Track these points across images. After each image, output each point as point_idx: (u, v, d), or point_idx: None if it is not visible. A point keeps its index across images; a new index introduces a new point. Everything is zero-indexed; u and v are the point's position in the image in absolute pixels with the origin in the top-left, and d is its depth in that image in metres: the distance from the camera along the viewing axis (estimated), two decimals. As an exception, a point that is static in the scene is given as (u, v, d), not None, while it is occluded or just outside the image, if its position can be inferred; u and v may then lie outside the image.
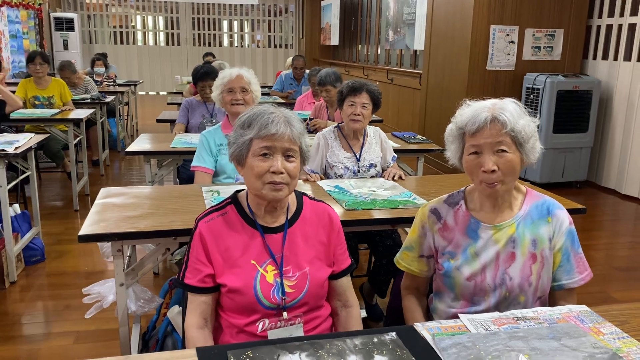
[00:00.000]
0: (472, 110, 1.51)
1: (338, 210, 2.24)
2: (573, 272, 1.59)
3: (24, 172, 3.73)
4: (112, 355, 1.22)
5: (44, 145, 5.06)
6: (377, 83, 9.25)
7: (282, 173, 1.45)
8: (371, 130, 3.00)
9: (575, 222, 1.64)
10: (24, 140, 3.50)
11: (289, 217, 1.57)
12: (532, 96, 5.66)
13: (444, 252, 1.63)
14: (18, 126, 4.95)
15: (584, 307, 1.43)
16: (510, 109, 1.49)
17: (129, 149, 3.40)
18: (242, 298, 1.47)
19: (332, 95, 4.07)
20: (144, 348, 2.12)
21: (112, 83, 7.92)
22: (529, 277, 1.56)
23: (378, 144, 2.98)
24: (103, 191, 2.40)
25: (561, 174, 5.76)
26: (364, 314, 3.05)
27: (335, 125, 2.98)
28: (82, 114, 4.90)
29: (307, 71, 6.30)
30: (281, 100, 6.28)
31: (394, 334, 1.28)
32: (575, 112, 5.60)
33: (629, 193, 5.48)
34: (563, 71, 5.90)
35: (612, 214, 5.19)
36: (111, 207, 2.17)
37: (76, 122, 4.79)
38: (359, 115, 2.80)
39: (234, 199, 1.58)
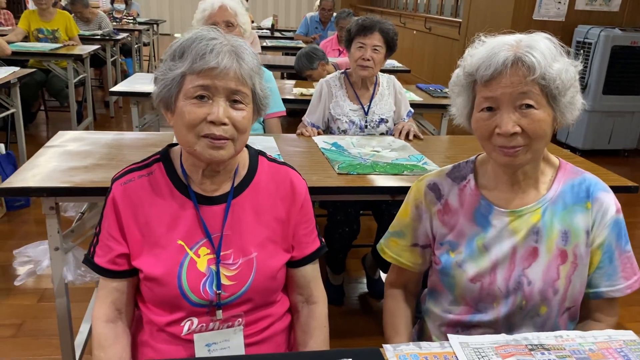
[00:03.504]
0: (488, 49, 1.07)
1: (330, 174, 1.84)
2: (616, 277, 1.17)
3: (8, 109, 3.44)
4: None
5: (47, 82, 4.78)
6: (415, 32, 8.62)
7: (224, 124, 1.05)
8: (384, 78, 2.54)
9: (619, 199, 1.21)
10: (5, 74, 3.17)
11: (235, 184, 1.17)
12: (582, 52, 5.03)
13: (442, 242, 1.22)
14: (23, 60, 4.66)
15: (629, 335, 1.02)
16: (541, 48, 1.05)
17: (114, 88, 3.04)
18: (162, 290, 1.10)
19: (316, 76, 3.54)
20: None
21: (132, 21, 7.53)
22: (554, 281, 1.15)
23: (391, 96, 2.53)
24: (59, 134, 2.06)
25: (607, 140, 5.17)
26: (364, 289, 2.70)
27: (342, 70, 2.54)
28: (85, 50, 4.55)
29: (335, 14, 5.78)
30: (304, 45, 5.80)
31: (348, 362, 0.90)
32: (631, 72, 4.96)
33: (684, 166, 4.88)
34: (621, 24, 5.22)
35: (662, 188, 4.63)
36: (57, 155, 1.82)
37: (78, 59, 4.45)
38: (368, 60, 2.34)
39: (164, 155, 1.19)
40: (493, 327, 1.19)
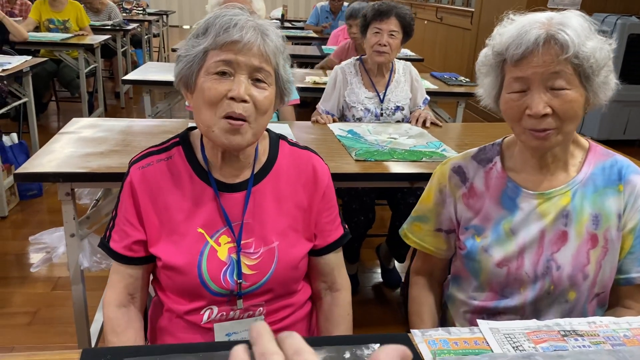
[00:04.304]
0: (518, 28, 1.04)
1: (347, 161, 1.81)
2: None
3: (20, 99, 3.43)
4: None
5: (58, 72, 4.77)
6: (426, 22, 8.53)
7: (245, 101, 1.00)
8: (400, 65, 2.50)
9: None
10: (17, 63, 3.16)
11: (255, 171, 1.13)
12: (602, 34, 4.95)
13: (467, 227, 1.19)
14: (34, 51, 4.65)
15: (665, 321, 0.99)
16: (574, 25, 1.02)
17: (126, 77, 3.03)
18: (182, 279, 1.07)
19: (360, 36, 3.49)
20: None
21: (141, 12, 7.52)
22: (584, 266, 1.12)
23: (407, 83, 2.49)
24: (73, 121, 2.05)
25: (623, 130, 5.10)
26: (379, 278, 2.67)
27: (357, 57, 2.50)
28: (96, 40, 4.54)
29: (346, 4, 5.73)
30: (314, 35, 5.76)
31: (377, 346, 0.87)
32: (647, 61, 4.88)
33: (701, 156, 4.80)
34: (638, 12, 5.13)
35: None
36: (72, 141, 1.81)
37: (88, 49, 4.43)
38: (385, 45, 2.31)
39: (183, 138, 1.15)
40: (519, 313, 1.17)
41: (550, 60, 1.01)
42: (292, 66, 1.16)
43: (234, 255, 1.09)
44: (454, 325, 1.26)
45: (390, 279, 2.62)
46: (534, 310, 1.16)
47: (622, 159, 1.16)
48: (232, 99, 1.00)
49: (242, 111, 1.00)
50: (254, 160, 1.13)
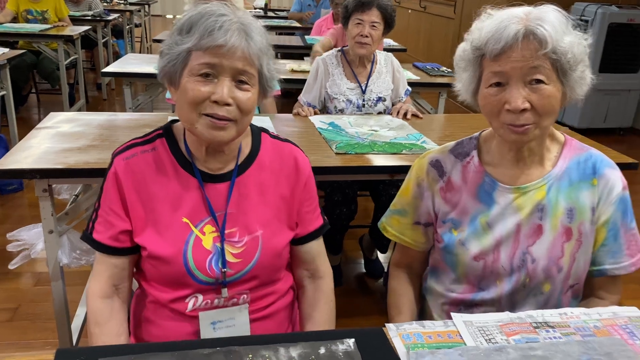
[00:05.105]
0: (496, 22, 1.04)
1: (328, 154, 1.82)
2: (621, 254, 1.16)
3: (-2, 92, 3.38)
4: None
5: (37, 64, 4.69)
6: (409, 11, 8.52)
7: (228, 104, 1.02)
8: (382, 56, 2.51)
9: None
10: (-6, 56, 3.11)
11: (239, 162, 1.15)
12: (579, 29, 4.98)
13: (445, 220, 1.20)
14: (12, 42, 4.57)
15: (634, 311, 1.01)
16: (551, 20, 1.03)
17: (106, 69, 2.99)
18: (168, 268, 1.09)
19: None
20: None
21: (122, 1, 7.41)
22: (559, 259, 1.13)
23: (389, 74, 2.50)
24: (50, 115, 2.02)
25: (603, 118, 5.16)
26: (362, 269, 2.69)
27: (339, 48, 2.50)
28: (75, 30, 4.47)
29: (329, -7, 5.70)
30: (297, 24, 5.73)
31: (351, 341, 0.88)
32: (627, 50, 4.93)
33: (679, 144, 4.88)
34: (617, 1, 5.17)
35: (658, 166, 4.63)
36: (50, 136, 1.79)
37: (68, 40, 4.37)
38: (366, 36, 2.31)
39: (166, 130, 1.16)
40: (495, 305, 1.18)
41: (530, 55, 1.02)
42: (276, 56, 1.17)
43: (218, 244, 1.11)
44: (431, 316, 1.28)
45: (373, 270, 2.64)
46: (510, 302, 1.18)
47: (596, 153, 1.17)
48: (215, 102, 1.02)
49: (226, 113, 1.03)
50: (238, 151, 1.16)
